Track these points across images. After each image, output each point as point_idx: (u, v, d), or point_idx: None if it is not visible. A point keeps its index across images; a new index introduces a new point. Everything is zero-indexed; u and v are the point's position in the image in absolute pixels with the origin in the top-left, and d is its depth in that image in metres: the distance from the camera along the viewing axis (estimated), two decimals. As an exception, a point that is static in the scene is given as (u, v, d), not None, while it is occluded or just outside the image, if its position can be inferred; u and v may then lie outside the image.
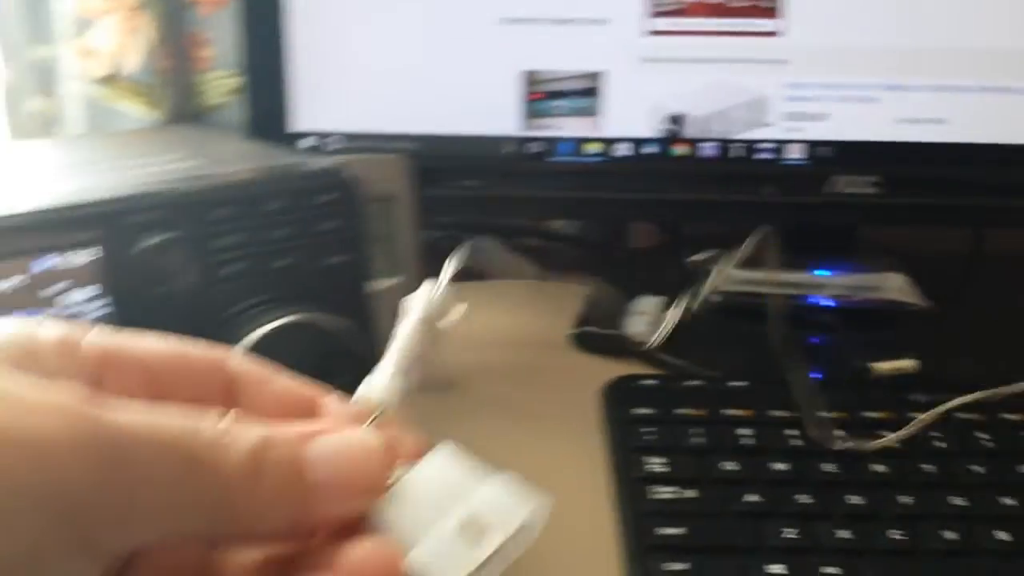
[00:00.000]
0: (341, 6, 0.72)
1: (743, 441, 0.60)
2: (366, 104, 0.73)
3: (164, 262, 0.42)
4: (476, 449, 0.62)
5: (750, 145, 0.73)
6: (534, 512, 0.30)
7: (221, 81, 0.92)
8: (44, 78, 0.93)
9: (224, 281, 0.44)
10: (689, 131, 0.73)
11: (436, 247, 0.67)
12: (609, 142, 0.73)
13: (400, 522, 0.28)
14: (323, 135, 0.73)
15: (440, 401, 0.66)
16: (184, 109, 0.93)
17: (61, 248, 0.41)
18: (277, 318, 0.43)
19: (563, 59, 0.72)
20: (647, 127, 0.73)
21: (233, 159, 0.54)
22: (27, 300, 0.41)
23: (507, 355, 0.74)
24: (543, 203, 0.75)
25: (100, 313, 0.42)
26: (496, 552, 0.29)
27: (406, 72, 0.73)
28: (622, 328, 0.73)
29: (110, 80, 0.89)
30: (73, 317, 0.41)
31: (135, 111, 0.90)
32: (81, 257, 0.41)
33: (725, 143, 0.73)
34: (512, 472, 0.59)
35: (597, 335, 0.74)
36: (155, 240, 0.41)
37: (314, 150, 0.72)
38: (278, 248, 0.45)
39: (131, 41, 0.88)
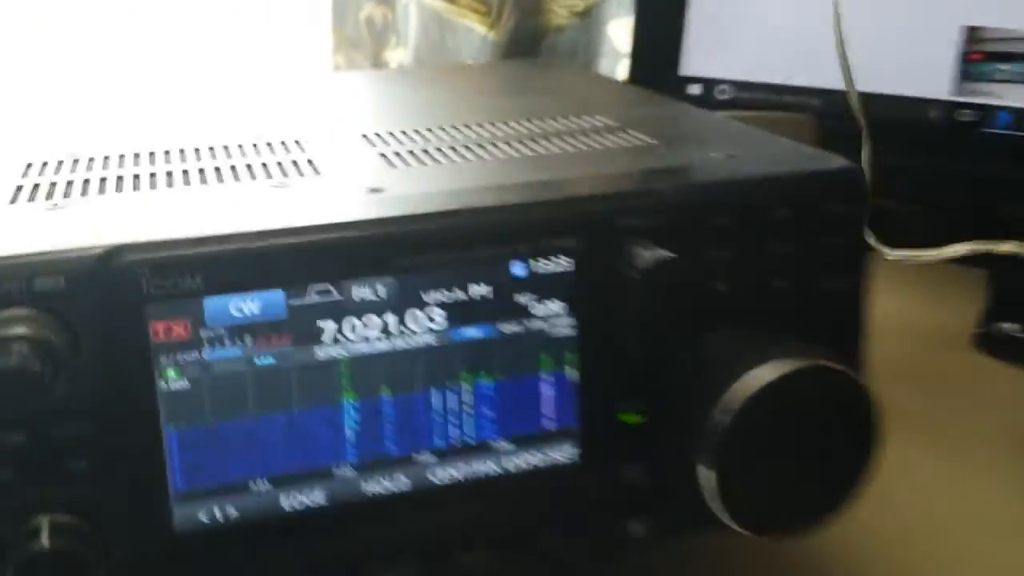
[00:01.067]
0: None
1: None
2: (767, 51, 0.63)
3: (652, 282, 0.35)
4: (896, 463, 0.53)
5: None
6: None
7: (568, 2, 0.84)
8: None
9: (713, 304, 0.37)
10: None
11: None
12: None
13: None
14: (713, 82, 0.64)
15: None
16: (524, 29, 0.85)
17: (535, 253, 0.35)
18: (780, 355, 0.35)
19: (1018, 15, 0.59)
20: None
21: (693, 131, 0.45)
22: (502, 307, 0.35)
23: (901, 350, 0.64)
24: (967, 180, 0.64)
25: (566, 332, 0.36)
26: None
27: (819, 17, 0.62)
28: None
29: (453, -7, 0.83)
30: (543, 331, 0.35)
31: (471, 27, 0.84)
32: (554, 265, 0.35)
33: None
34: (931, 498, 0.50)
35: (1008, 337, 0.63)
36: (648, 258, 0.34)
37: (701, 100, 0.63)
38: (774, 266, 0.37)
39: (480, -48, 0.81)
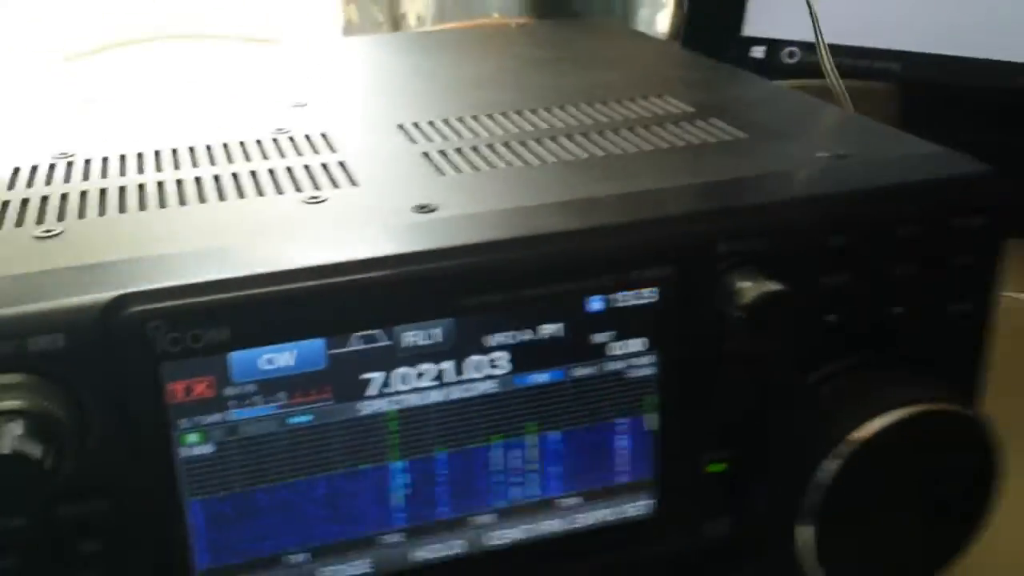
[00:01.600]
0: None
1: None
2: (842, 9, 0.56)
3: (756, 319, 0.29)
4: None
5: None
6: None
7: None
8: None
9: (821, 339, 0.31)
10: None
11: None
12: None
13: None
14: (779, 43, 0.57)
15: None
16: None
17: (618, 286, 0.29)
18: (892, 397, 0.30)
19: None
20: None
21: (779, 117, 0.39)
22: (576, 348, 0.30)
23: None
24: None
25: (647, 373, 0.31)
26: None
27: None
28: None
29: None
30: (619, 373, 0.30)
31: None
32: (636, 298, 0.30)
33: None
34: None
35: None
36: (753, 292, 0.29)
37: (766, 64, 0.57)
38: (895, 292, 0.32)
39: None
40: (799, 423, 0.32)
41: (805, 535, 0.31)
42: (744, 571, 0.34)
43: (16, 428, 0.24)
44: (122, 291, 0.26)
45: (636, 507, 0.33)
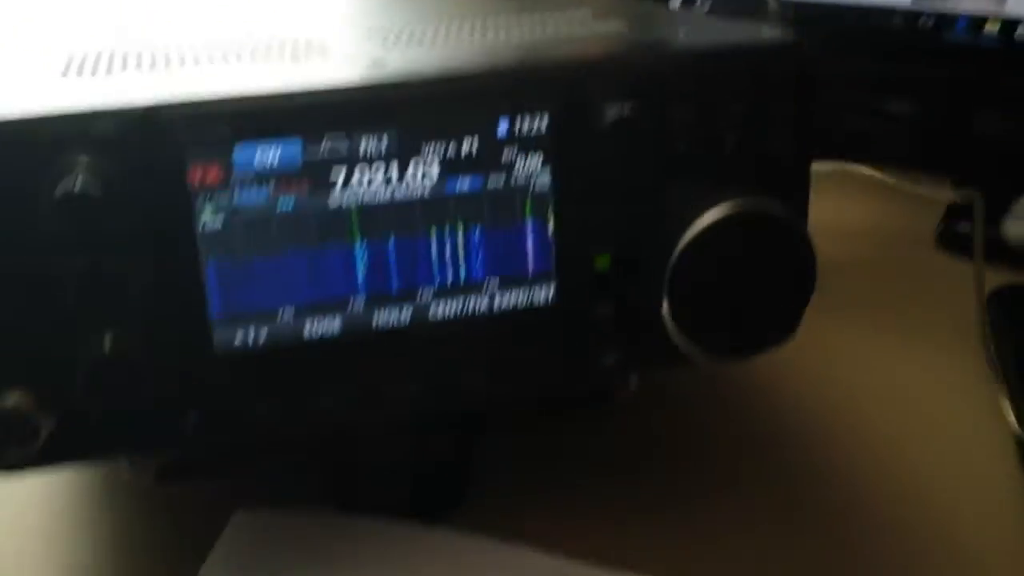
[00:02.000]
0: None
1: None
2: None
3: (622, 135, 0.40)
4: (845, 351, 0.60)
5: None
6: None
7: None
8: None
9: (674, 157, 0.42)
10: (1112, 15, 0.64)
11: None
12: (1013, 24, 0.65)
13: None
14: (692, -5, 0.69)
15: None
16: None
17: (518, 112, 0.40)
18: (728, 202, 0.40)
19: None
20: (1063, 8, 0.64)
21: (654, 22, 0.51)
22: (490, 161, 0.40)
23: (867, 250, 0.70)
24: (930, 85, 0.69)
25: (545, 184, 0.41)
26: None
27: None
28: (1002, 231, 0.67)
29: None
30: (525, 184, 0.41)
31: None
32: (533, 123, 0.40)
33: None
34: (887, 377, 0.57)
35: (964, 235, 0.69)
36: (616, 112, 0.40)
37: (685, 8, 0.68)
38: (727, 127, 0.42)
39: None
40: (659, 222, 0.42)
41: (666, 310, 0.42)
42: (629, 347, 0.44)
43: (84, 178, 0.35)
44: (158, 99, 0.37)
45: (542, 294, 0.43)
